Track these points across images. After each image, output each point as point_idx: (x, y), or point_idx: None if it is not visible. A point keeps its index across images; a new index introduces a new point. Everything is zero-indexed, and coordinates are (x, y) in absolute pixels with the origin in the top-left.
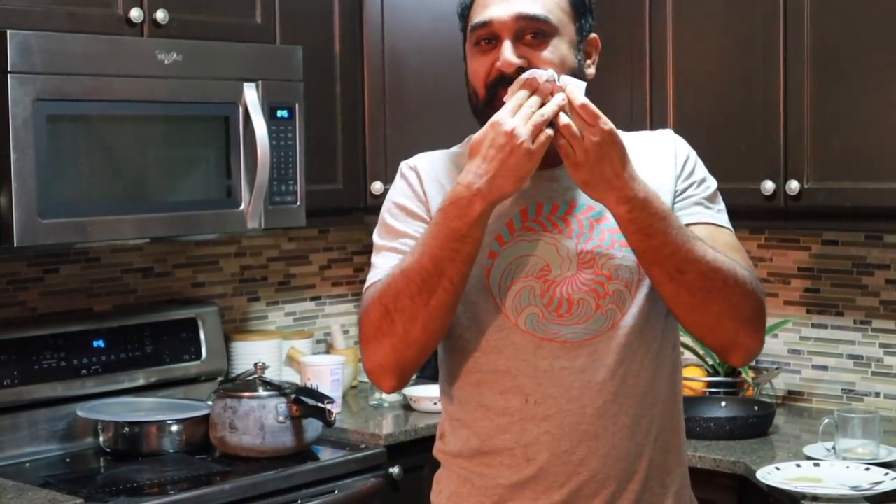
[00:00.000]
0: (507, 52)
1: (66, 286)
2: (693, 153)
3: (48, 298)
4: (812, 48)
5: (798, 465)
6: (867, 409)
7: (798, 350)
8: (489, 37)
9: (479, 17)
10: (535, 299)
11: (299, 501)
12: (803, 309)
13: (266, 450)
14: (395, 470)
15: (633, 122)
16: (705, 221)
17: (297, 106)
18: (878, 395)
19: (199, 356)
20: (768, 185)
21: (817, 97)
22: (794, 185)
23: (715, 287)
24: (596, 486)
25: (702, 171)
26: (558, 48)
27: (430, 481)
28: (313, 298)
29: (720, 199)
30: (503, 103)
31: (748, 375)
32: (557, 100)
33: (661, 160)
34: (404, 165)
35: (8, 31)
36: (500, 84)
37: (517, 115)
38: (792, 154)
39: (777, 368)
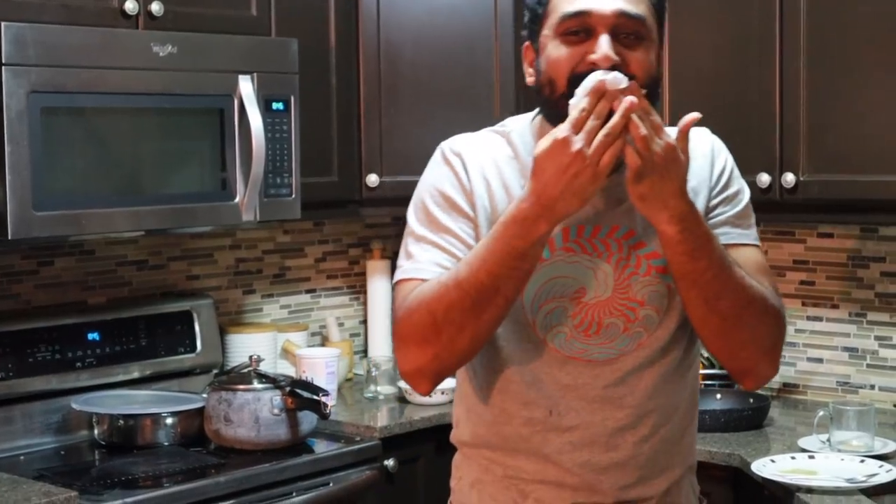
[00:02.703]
0: (606, 46)
1: (61, 279)
2: (730, 161)
3: (42, 291)
4: (807, 42)
5: (793, 458)
6: (862, 401)
7: (793, 342)
8: (581, 28)
9: (572, 6)
10: (566, 319)
11: (294, 494)
12: (799, 301)
13: (261, 442)
14: (389, 462)
15: None
16: (735, 243)
17: (292, 98)
18: (873, 387)
19: (193, 349)
20: (764, 178)
21: (813, 90)
22: (789, 178)
23: (746, 315)
24: (619, 492)
25: (736, 181)
26: (648, 54)
27: (424, 474)
28: (308, 291)
29: (751, 210)
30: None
31: None
32: (623, 110)
33: (697, 165)
34: (447, 149)
35: (2, 23)
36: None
37: (582, 133)
38: (788, 147)
39: None
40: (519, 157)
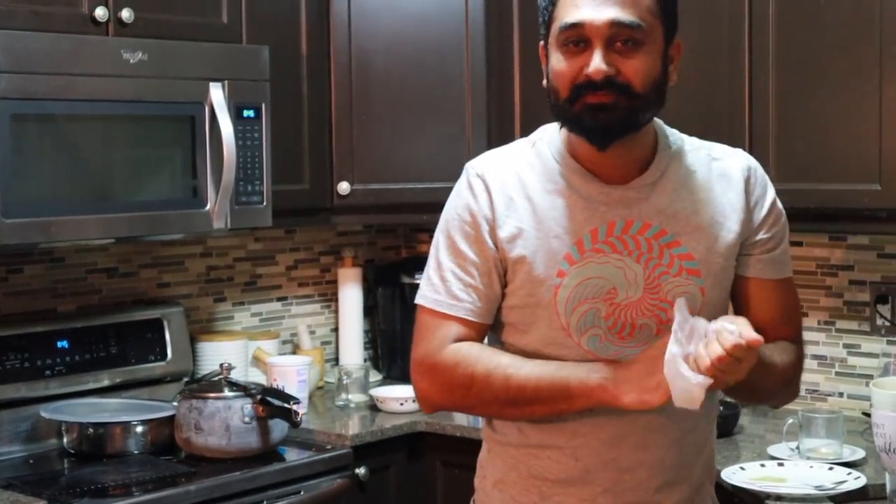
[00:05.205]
0: (599, 61)
1: (30, 286)
2: (772, 191)
3: (12, 299)
4: (776, 53)
5: (762, 465)
6: (831, 409)
7: None
8: (579, 39)
9: (569, 17)
10: (600, 321)
11: (265, 502)
12: None
13: (232, 450)
14: (361, 471)
15: None
16: (774, 278)
17: (263, 106)
18: (841, 395)
19: (164, 357)
20: None
21: (782, 101)
22: None
23: (775, 391)
24: (642, 494)
25: (781, 213)
26: (647, 58)
27: (395, 482)
28: (280, 299)
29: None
30: (586, 104)
31: None
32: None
33: (732, 193)
34: (472, 172)
35: None
36: (586, 88)
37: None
38: (757, 157)
39: None
40: (541, 164)
